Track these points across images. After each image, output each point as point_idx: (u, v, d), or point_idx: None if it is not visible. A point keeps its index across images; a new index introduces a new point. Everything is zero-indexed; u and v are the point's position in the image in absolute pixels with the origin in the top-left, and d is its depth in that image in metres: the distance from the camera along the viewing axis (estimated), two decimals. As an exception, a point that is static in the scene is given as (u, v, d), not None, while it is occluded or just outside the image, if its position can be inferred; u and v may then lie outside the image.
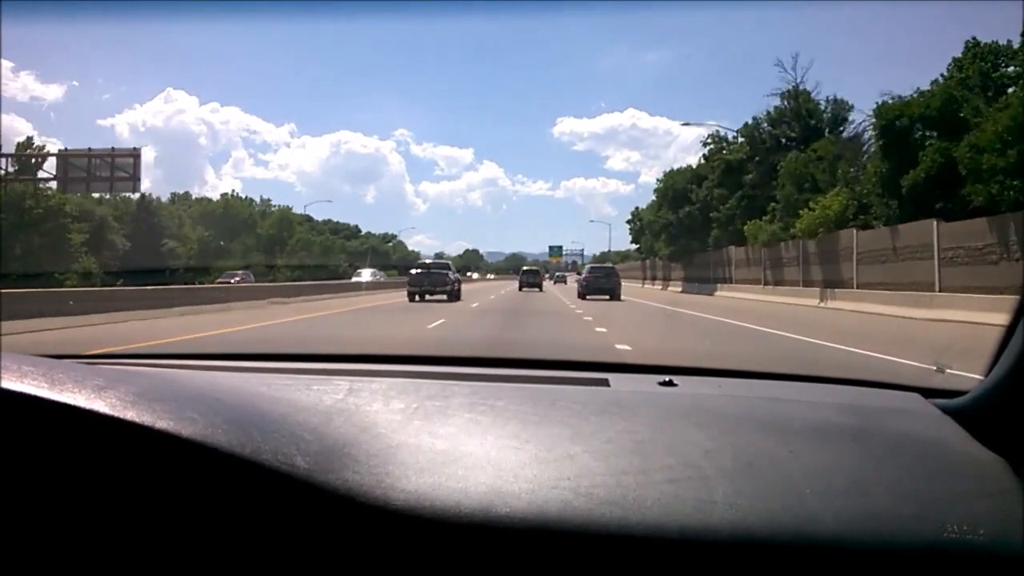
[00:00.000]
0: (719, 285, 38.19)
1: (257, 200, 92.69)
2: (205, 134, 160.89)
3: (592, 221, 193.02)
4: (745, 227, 33.98)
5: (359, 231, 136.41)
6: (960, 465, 0.85)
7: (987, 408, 0.94)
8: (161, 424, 0.66)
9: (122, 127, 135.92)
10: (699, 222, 42.09)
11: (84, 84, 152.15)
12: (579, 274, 36.61)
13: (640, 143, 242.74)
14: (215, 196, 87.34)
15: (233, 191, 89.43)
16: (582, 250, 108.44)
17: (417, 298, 23.71)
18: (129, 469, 0.65)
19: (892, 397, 1.20)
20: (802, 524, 0.70)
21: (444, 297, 23.77)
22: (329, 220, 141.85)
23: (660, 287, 54.02)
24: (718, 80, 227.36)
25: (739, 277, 36.09)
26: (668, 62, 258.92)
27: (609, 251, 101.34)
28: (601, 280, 27.24)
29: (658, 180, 54.90)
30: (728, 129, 42.99)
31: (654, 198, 56.22)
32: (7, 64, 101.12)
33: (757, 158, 36.90)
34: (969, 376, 1.20)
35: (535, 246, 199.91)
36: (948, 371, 2.06)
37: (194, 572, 0.65)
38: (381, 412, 0.89)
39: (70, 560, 0.65)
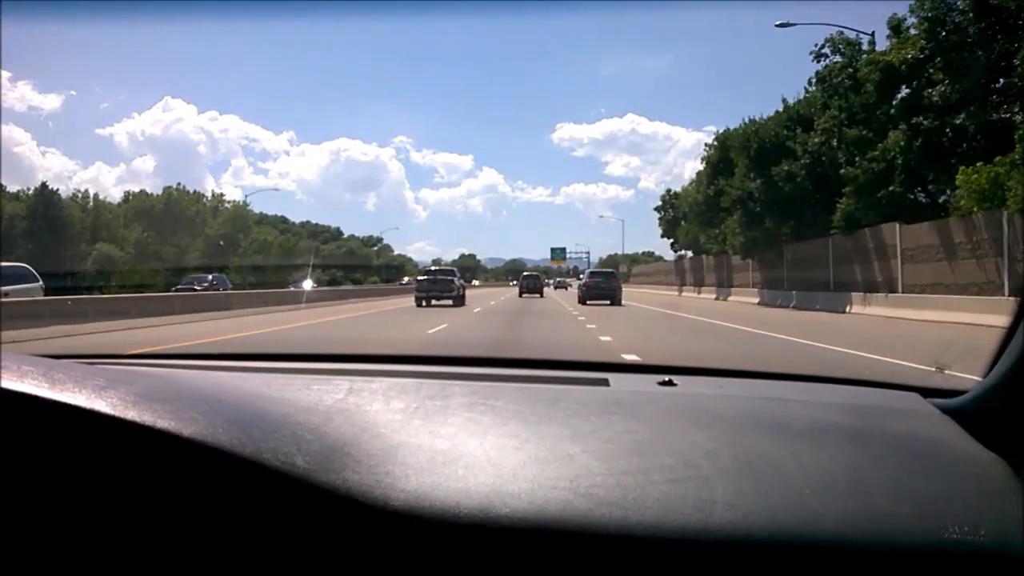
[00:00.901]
0: (853, 295, 21.38)
1: (208, 195, 78.07)
2: (204, 142, 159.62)
3: (601, 217, 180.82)
4: (960, 177, 16.86)
5: (340, 233, 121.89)
6: (960, 465, 0.85)
7: (987, 408, 0.94)
8: (162, 424, 0.66)
9: (121, 136, 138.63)
10: (806, 189, 24.71)
11: (82, 93, 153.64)
12: (579, 279, 36.64)
13: (640, 148, 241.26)
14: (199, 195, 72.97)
15: (179, 184, 75.07)
16: (588, 252, 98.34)
17: (424, 303, 24.75)
18: (130, 469, 0.66)
19: (891, 397, 1.20)
20: (802, 524, 0.70)
21: (450, 302, 24.74)
22: (307, 222, 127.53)
23: (715, 296, 38.10)
24: (718, 85, 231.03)
25: (918, 279, 19.13)
26: (667, 67, 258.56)
27: (620, 253, 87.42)
28: (601, 284, 27.14)
29: (707, 146, 38.80)
30: (861, 33, 24.70)
31: (702, 168, 40.13)
32: (5, 74, 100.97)
33: (943, 59, 18.57)
34: (969, 377, 1.20)
35: (536, 252, 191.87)
36: (947, 371, 2.15)
37: (194, 572, 0.65)
38: (381, 412, 0.89)
39: (70, 560, 0.65)
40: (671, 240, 54.66)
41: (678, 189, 55.72)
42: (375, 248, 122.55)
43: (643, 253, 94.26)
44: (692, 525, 0.68)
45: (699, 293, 42.31)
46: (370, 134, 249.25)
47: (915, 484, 0.79)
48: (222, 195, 78.97)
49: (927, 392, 1.15)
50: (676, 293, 46.86)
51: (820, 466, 0.81)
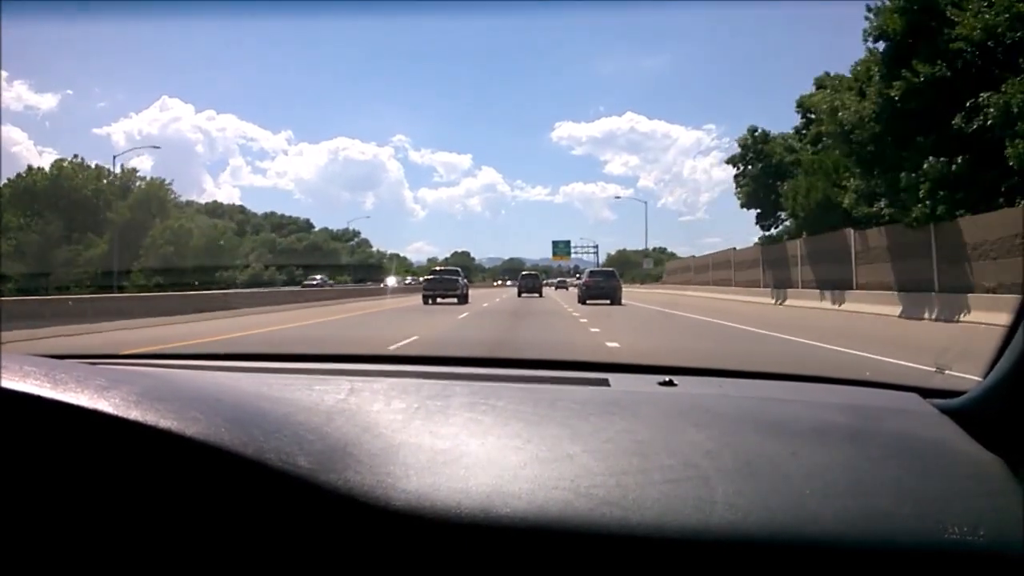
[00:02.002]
0: None
1: (116, 171, 59.60)
2: (202, 142, 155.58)
3: (618, 198, 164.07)
4: None
5: (310, 226, 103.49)
6: (959, 465, 0.85)
7: (986, 408, 0.95)
8: (164, 424, 0.67)
9: (118, 135, 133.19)
10: None
11: (79, 93, 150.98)
12: (578, 278, 37.41)
13: (639, 147, 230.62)
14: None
15: (77, 156, 57.48)
16: (595, 247, 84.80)
17: (431, 301, 26.17)
18: (132, 469, 0.66)
19: (891, 397, 1.20)
20: (802, 524, 0.70)
21: (455, 300, 26.18)
22: (272, 212, 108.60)
23: (897, 311, 18.21)
24: (717, 84, 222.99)
25: None
26: (666, 66, 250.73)
27: (644, 249, 68.96)
28: (601, 284, 27.18)
29: (872, 12, 20.16)
30: None
31: (866, 56, 20.90)
32: (2, 74, 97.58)
33: None
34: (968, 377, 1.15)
35: (535, 251, 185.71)
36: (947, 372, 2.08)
37: (196, 572, 0.66)
38: (382, 412, 0.90)
39: (72, 560, 0.65)
40: (758, 211, 33.93)
41: (763, 126, 34.19)
42: (351, 243, 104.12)
43: (655, 249, 77.88)
44: (692, 525, 0.68)
45: (835, 303, 22.97)
46: (368, 133, 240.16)
47: (915, 484, 0.79)
48: (134, 170, 60.66)
49: (926, 392, 1.15)
50: (772, 300, 27.82)
51: (820, 466, 0.81)
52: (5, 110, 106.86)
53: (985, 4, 16.64)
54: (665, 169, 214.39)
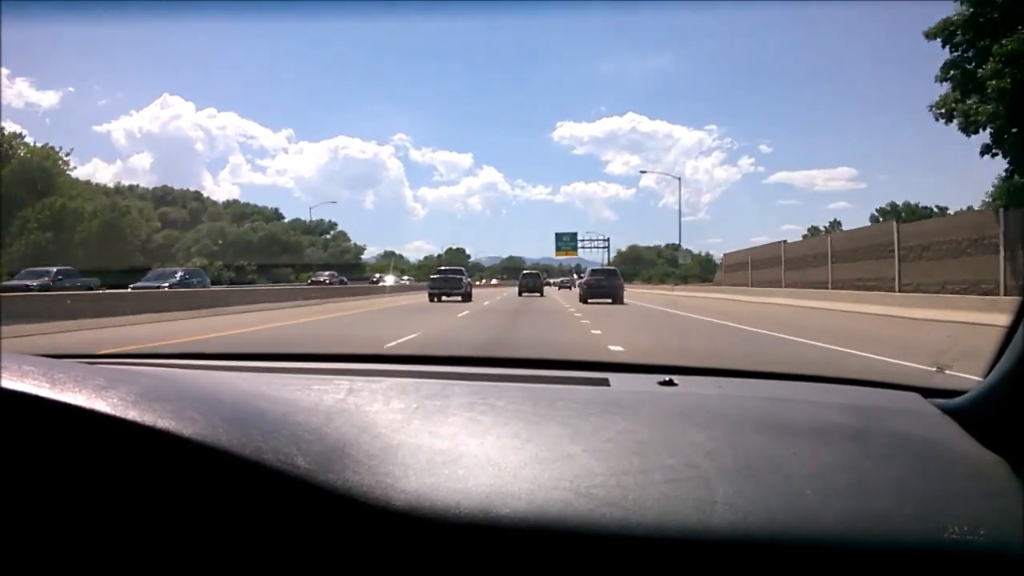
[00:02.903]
0: None
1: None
2: (202, 139, 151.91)
3: (644, 172, 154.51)
4: None
5: (279, 215, 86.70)
6: (960, 465, 0.85)
7: (987, 408, 0.94)
8: (162, 424, 0.66)
9: (118, 133, 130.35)
10: None
11: (80, 90, 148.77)
12: (580, 277, 37.32)
13: (640, 147, 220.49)
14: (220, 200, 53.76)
15: None
16: (607, 240, 75.57)
17: (435, 299, 27.16)
18: (130, 469, 0.66)
19: (892, 397, 1.20)
20: (802, 524, 0.70)
21: (459, 298, 27.64)
22: (235, 200, 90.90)
23: None
24: (718, 84, 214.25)
25: None
26: (667, 66, 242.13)
27: (676, 246, 55.16)
28: (603, 283, 26.99)
29: None
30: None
31: None
32: (3, 71, 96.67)
33: None
34: (969, 377, 1.16)
35: (536, 251, 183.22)
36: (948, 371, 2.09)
37: (195, 572, 0.65)
38: (381, 412, 0.89)
39: (71, 560, 0.65)
40: (990, 133, 17.78)
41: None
42: (325, 236, 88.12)
43: (667, 246, 73.01)
44: (692, 525, 0.68)
45: None
46: (369, 132, 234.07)
47: (916, 484, 0.79)
48: (17, 135, 46.14)
49: (928, 392, 1.15)
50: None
51: (821, 466, 0.81)
52: (7, 107, 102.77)
53: None
54: (667, 169, 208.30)
